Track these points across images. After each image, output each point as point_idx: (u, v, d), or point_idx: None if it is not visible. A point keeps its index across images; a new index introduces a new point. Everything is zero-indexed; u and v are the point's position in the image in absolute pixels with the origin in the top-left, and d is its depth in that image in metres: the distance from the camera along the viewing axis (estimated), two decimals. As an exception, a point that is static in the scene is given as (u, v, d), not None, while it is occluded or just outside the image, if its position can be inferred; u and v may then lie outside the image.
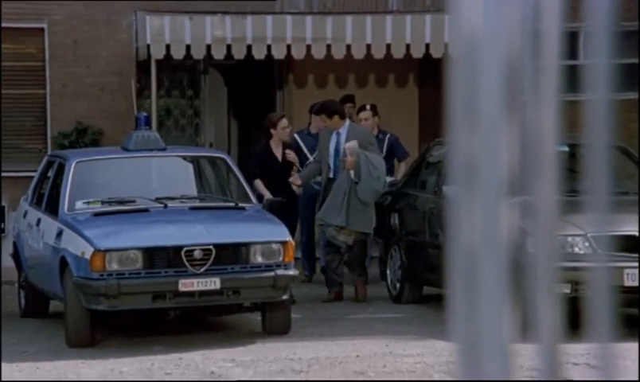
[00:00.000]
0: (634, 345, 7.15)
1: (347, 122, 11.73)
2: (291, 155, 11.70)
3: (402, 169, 12.64)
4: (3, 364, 8.93)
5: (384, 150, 12.39)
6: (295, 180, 11.56)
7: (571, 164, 8.89)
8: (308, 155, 12.17)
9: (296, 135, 12.44)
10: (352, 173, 11.24)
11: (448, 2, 1.23)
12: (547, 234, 1.21)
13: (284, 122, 11.87)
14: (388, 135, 12.67)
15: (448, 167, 9.35)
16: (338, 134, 11.54)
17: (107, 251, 9.59)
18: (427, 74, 14.67)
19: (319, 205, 11.48)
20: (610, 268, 1.23)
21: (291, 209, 11.38)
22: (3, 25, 14.15)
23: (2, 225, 14.07)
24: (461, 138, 1.15)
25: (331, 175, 11.55)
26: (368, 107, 12.51)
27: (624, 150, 10.57)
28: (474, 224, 1.11)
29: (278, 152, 11.65)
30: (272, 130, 11.68)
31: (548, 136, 1.23)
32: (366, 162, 11.20)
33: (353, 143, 11.24)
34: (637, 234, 9.24)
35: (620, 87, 1.31)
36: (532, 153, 1.20)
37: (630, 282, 9.08)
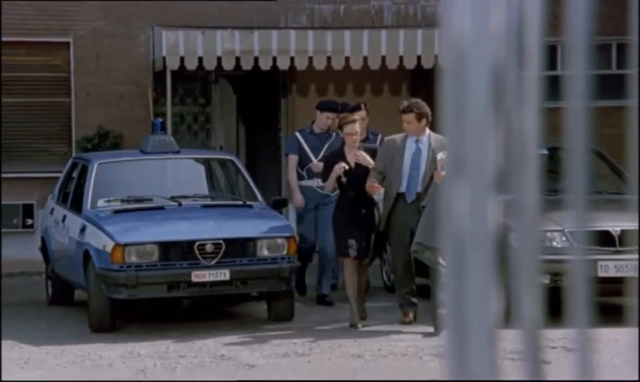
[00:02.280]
0: (607, 331, 7.15)
1: (427, 129, 9.35)
2: (360, 157, 9.34)
3: None
4: (33, 347, 8.92)
5: None
6: (372, 188, 9.17)
7: (550, 166, 8.89)
8: (311, 156, 10.56)
9: (298, 134, 10.85)
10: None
11: (439, 16, 1.22)
12: (529, 229, 1.21)
13: (351, 128, 9.45)
14: (379, 135, 11.06)
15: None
16: (418, 141, 9.28)
17: (126, 245, 9.58)
18: (418, 84, 14.65)
19: (384, 223, 9.29)
20: (586, 260, 1.23)
21: (369, 219, 9.40)
22: (32, 39, 14.15)
23: (31, 221, 14.05)
24: (451, 138, 1.15)
25: (403, 189, 9.20)
26: (363, 106, 10.90)
27: (598, 153, 10.57)
28: (463, 215, 1.12)
29: (351, 156, 9.44)
30: (340, 132, 9.73)
31: (531, 139, 1.22)
32: None
33: (446, 155, 9.98)
34: (609, 229, 9.26)
35: (595, 96, 1.30)
36: (516, 155, 1.19)
37: (603, 273, 9.06)
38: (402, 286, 9.44)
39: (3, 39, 14.09)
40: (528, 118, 1.21)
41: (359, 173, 9.25)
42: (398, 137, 9.38)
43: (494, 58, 1.17)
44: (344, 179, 9.36)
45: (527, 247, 1.17)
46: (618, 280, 9.00)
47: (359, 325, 9.37)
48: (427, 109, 9.21)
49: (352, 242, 9.25)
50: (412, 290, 9.43)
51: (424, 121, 9.21)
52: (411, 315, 9.42)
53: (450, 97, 1.13)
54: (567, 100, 1.16)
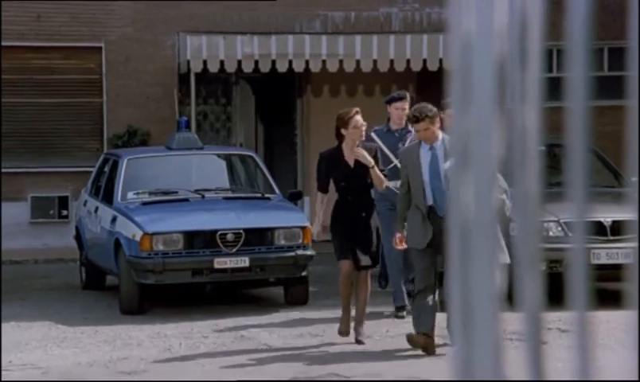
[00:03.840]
0: (600, 313, 7.11)
1: (440, 133, 7.63)
2: (359, 153, 7.87)
3: None
4: (69, 327, 8.95)
5: None
6: (399, 241, 7.73)
7: (546, 161, 8.84)
8: (391, 157, 8.76)
9: (373, 134, 8.93)
10: None
11: (447, 19, 1.20)
12: (530, 219, 1.19)
13: (357, 119, 7.98)
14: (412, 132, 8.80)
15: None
16: (433, 148, 7.59)
17: (153, 234, 9.58)
18: (424, 84, 14.61)
19: (428, 236, 7.54)
20: (584, 248, 1.21)
21: (369, 228, 8.00)
22: (68, 44, 14.19)
23: (66, 212, 14.09)
24: (458, 131, 1.14)
25: (430, 202, 7.56)
26: (407, 95, 9.26)
27: (592, 150, 10.52)
28: (468, 203, 1.11)
29: (351, 157, 8.00)
30: (343, 130, 8.03)
31: (532, 133, 1.20)
32: None
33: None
34: (602, 220, 9.22)
35: (589, 96, 1.28)
36: (518, 149, 1.18)
37: (595, 260, 9.02)
38: (422, 301, 7.62)
39: (40, 44, 14.14)
40: (530, 114, 1.19)
41: (359, 174, 7.88)
42: (411, 146, 7.90)
43: (498, 57, 1.15)
44: (343, 183, 7.99)
45: (528, 235, 1.16)
46: (610, 267, 8.96)
47: (347, 334, 8.10)
48: (435, 109, 7.69)
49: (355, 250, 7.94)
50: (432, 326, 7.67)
51: (437, 123, 7.61)
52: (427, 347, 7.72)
53: (456, 93, 1.13)
54: (568, 100, 1.14)
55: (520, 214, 1.19)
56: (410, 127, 8.52)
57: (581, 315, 1.10)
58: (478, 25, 1.14)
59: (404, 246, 7.70)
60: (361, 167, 7.88)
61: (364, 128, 8.04)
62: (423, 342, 7.57)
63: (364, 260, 8.00)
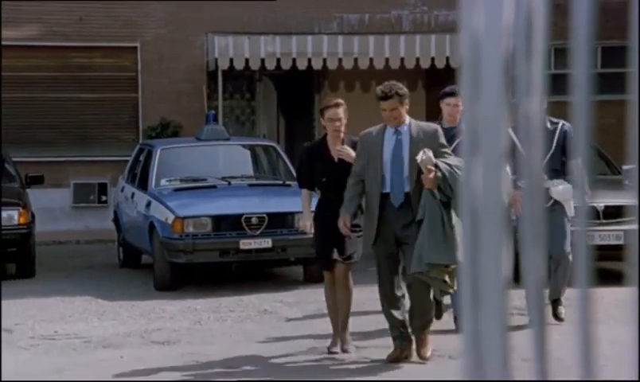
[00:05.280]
0: (593, 290, 7.05)
1: (408, 118, 6.39)
2: (344, 153, 6.53)
3: None
4: (108, 302, 8.99)
5: None
6: (345, 229, 6.36)
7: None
8: None
9: None
10: (435, 192, 6.05)
11: (457, 16, 1.19)
12: (535, 202, 1.18)
13: (333, 112, 6.65)
14: None
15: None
16: (398, 132, 6.30)
17: (184, 218, 9.60)
18: (432, 81, 14.55)
19: (375, 232, 6.25)
20: (584, 231, 1.20)
21: (354, 225, 6.49)
22: (106, 44, 14.24)
23: (105, 198, 14.14)
24: (469, 120, 1.13)
25: (387, 190, 6.22)
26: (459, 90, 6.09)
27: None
28: (478, 186, 1.10)
29: (334, 151, 6.70)
30: (322, 121, 6.86)
31: (535, 124, 1.19)
32: (453, 173, 6.04)
33: (428, 155, 6.11)
34: (595, 205, 9.15)
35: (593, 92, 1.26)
36: (524, 137, 1.17)
37: (589, 242, 8.97)
38: (391, 307, 6.31)
39: (82, 44, 14.19)
40: (534, 105, 1.18)
41: (342, 171, 6.43)
42: (374, 129, 6.38)
43: (505, 52, 1.15)
44: (324, 178, 6.64)
45: (533, 217, 1.15)
46: (603, 248, 8.91)
47: (335, 350, 6.74)
48: (406, 89, 6.41)
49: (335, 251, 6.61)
50: (403, 321, 6.35)
51: (407, 105, 6.32)
52: (404, 352, 6.42)
53: (467, 85, 1.12)
54: (572, 95, 1.13)
55: (526, 197, 1.18)
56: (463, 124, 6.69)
57: (584, 292, 1.09)
58: (486, 23, 1.13)
59: (347, 231, 6.33)
60: (345, 163, 6.48)
61: (338, 124, 6.59)
62: (397, 355, 6.36)
63: (348, 260, 6.59)
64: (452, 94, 7.42)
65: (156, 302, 9.02)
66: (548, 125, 7.21)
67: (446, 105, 7.39)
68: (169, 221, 9.65)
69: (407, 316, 6.39)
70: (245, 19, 14.27)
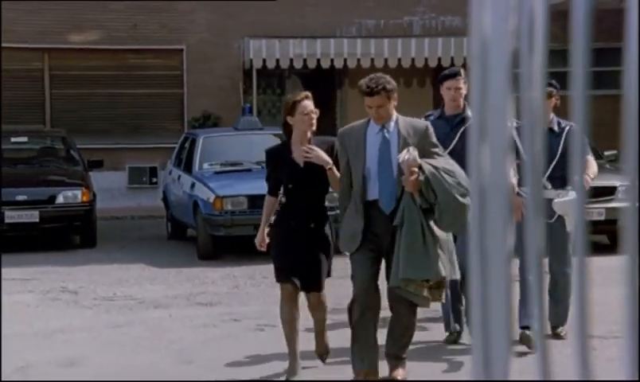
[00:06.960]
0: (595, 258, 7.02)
1: (395, 114, 4.80)
2: (313, 154, 4.92)
3: None
4: (158, 269, 9.05)
5: None
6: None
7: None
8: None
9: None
10: (416, 196, 4.59)
11: (464, 22, 1.17)
12: (536, 183, 1.16)
13: (306, 105, 5.04)
14: (566, 127, 5.83)
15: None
16: (384, 130, 4.75)
17: (224, 197, 9.63)
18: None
19: (346, 241, 4.86)
20: (581, 209, 1.18)
21: (319, 241, 5.09)
22: (156, 47, 14.31)
23: (155, 180, 14.24)
24: (477, 111, 1.13)
25: (374, 196, 4.74)
26: (462, 71, 5.77)
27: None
28: (485, 171, 1.10)
29: (301, 154, 4.99)
30: (289, 119, 5.03)
31: (537, 114, 1.17)
32: (438, 176, 4.57)
33: (413, 154, 4.63)
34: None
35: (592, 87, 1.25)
36: (527, 126, 1.15)
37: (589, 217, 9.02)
38: (364, 329, 4.78)
39: (136, 47, 14.28)
40: (536, 98, 1.16)
41: (310, 175, 4.94)
42: (356, 125, 4.88)
43: (511, 50, 1.14)
44: (290, 185, 5.02)
45: (535, 192, 1.14)
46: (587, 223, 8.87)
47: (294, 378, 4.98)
48: (395, 83, 4.89)
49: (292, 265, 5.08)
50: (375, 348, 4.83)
51: (395, 100, 4.80)
52: (400, 372, 4.84)
53: (476, 79, 1.12)
54: (571, 90, 1.12)
55: (527, 178, 1.17)
56: (469, 112, 5.32)
57: (581, 261, 1.08)
58: (494, 26, 1.13)
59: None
60: (314, 167, 4.91)
61: (314, 116, 5.05)
62: (364, 376, 4.77)
63: (308, 280, 5.10)
64: (452, 75, 5.70)
65: (199, 269, 9.06)
66: (555, 127, 5.65)
67: (446, 89, 5.64)
68: (211, 200, 9.69)
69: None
70: (276, 25, 14.30)
